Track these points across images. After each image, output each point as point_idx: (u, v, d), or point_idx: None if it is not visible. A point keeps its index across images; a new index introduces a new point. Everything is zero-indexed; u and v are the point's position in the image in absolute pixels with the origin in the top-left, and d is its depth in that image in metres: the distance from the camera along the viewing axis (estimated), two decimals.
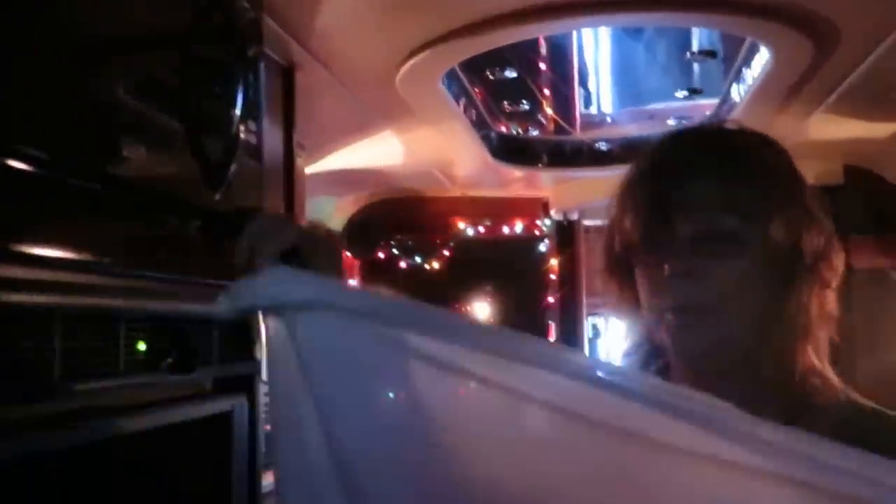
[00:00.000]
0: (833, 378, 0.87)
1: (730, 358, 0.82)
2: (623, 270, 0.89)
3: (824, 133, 2.83)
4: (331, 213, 4.21)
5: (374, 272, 4.66)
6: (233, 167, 1.27)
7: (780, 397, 0.82)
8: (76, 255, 0.99)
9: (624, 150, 3.70)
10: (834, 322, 0.87)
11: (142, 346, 1.16)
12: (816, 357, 0.85)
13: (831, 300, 0.86)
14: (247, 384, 1.58)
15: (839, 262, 0.86)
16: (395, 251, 4.59)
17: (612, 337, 4.21)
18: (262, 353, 1.71)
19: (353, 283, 3.89)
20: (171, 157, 1.19)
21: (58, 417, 1.02)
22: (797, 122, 2.76)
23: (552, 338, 4.49)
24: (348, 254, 4.27)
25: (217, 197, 1.23)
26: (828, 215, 0.87)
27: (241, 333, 1.49)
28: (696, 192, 0.81)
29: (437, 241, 4.63)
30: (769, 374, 0.83)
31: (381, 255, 4.58)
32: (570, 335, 4.37)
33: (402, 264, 4.65)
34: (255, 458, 1.64)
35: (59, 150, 0.96)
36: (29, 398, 0.98)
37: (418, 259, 4.64)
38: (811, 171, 3.10)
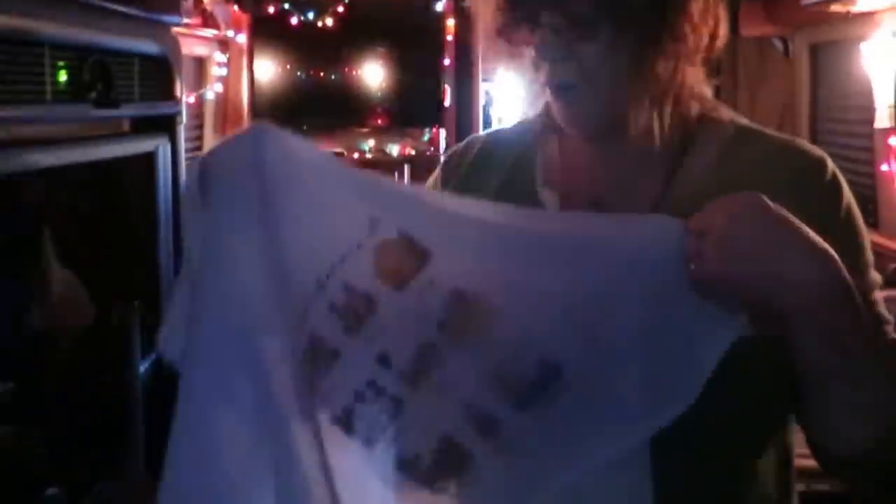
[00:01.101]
0: (720, 106, 0.91)
1: (609, 123, 0.85)
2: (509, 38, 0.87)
3: None
4: None
5: (265, 28, 4.44)
6: None
7: (668, 138, 0.86)
8: None
9: None
10: (704, 47, 0.85)
11: (64, 77, 1.12)
12: (697, 85, 0.87)
13: (698, 39, 0.83)
14: (168, 125, 1.54)
15: (695, 7, 0.83)
16: (285, 6, 4.36)
17: (504, 105, 4.23)
18: (183, 94, 1.65)
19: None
20: None
21: None
22: None
23: (447, 102, 4.50)
24: (236, 8, 4.02)
25: None
26: None
27: (162, 72, 1.43)
28: None
29: None
30: (657, 124, 0.86)
31: (270, 9, 4.34)
32: (465, 100, 4.37)
33: (294, 21, 4.43)
34: (178, 201, 1.64)
35: None
36: None
37: (310, 15, 4.43)
38: None
